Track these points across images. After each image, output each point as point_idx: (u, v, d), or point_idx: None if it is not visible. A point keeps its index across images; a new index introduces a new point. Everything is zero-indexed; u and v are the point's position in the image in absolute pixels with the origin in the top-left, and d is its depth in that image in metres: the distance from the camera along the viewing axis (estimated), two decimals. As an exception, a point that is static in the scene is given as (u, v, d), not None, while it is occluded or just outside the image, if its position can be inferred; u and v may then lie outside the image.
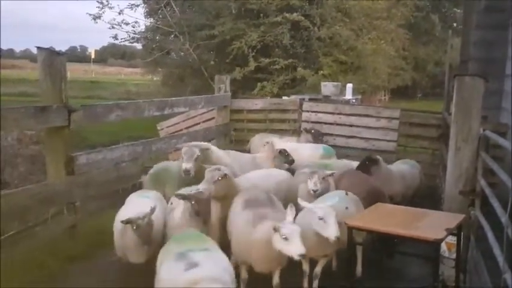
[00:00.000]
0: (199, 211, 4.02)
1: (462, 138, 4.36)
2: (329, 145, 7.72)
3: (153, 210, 3.91)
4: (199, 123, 9.26)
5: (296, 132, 8.51)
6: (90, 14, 17.01)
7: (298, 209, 3.86)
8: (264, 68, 15.01)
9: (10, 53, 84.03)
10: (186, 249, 2.98)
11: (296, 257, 3.28)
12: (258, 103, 9.15)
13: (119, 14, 17.18)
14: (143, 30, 18.34)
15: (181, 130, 9.24)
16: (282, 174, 5.49)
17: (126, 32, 17.72)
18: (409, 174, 6.24)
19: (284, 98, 10.55)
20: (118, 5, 17.32)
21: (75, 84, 29.34)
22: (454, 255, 4.09)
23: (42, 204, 4.74)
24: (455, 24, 32.97)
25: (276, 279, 3.87)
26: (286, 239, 3.30)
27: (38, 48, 4.91)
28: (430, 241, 3.34)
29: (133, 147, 6.15)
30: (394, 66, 22.68)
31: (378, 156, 5.94)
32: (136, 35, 18.11)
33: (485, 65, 7.38)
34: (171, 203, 4.42)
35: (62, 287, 4.33)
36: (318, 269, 4.12)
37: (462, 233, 3.97)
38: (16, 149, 7.93)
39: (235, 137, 8.88)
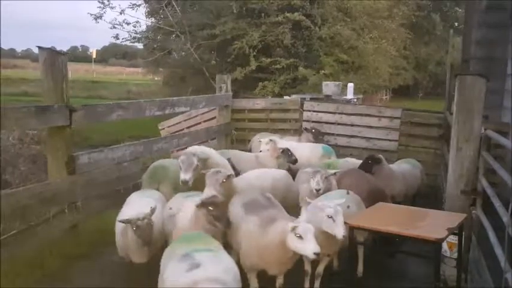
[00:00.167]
0: (218, 216, 3.80)
1: (464, 138, 4.36)
2: (330, 145, 7.74)
3: (153, 210, 3.90)
4: (200, 123, 9.27)
5: (297, 132, 8.51)
6: (92, 14, 17.01)
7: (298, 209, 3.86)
8: (265, 67, 15.00)
9: (11, 53, 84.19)
10: (191, 250, 2.98)
11: (311, 256, 3.31)
12: (259, 103, 9.15)
13: (120, 13, 17.18)
14: (144, 30, 18.35)
15: (182, 130, 9.26)
16: (279, 173, 5.47)
17: (128, 31, 17.71)
18: (410, 174, 6.24)
19: (285, 97, 10.53)
20: (119, 5, 17.27)
21: (77, 84, 29.43)
22: (455, 255, 4.09)
23: (44, 204, 4.75)
24: (456, 24, 33.03)
25: (280, 280, 3.87)
26: (301, 237, 3.32)
27: (40, 48, 4.92)
28: (431, 241, 3.34)
29: (134, 147, 6.15)
30: (395, 65, 22.68)
31: (380, 156, 5.94)
32: (137, 35, 18.10)
33: (486, 64, 7.37)
34: (170, 208, 4.25)
35: (63, 286, 4.34)
36: (320, 269, 4.13)
37: (463, 233, 3.98)
38: (17, 149, 7.93)
39: (236, 137, 8.88)
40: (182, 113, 8.99)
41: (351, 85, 11.13)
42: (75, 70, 45.73)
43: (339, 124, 8.42)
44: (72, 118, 4.96)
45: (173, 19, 16.15)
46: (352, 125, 8.33)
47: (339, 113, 8.43)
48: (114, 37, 18.14)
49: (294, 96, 10.21)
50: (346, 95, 10.85)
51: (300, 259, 3.77)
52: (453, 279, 4.10)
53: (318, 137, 7.84)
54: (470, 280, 4.06)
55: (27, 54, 76.44)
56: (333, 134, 8.40)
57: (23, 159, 7.68)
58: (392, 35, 19.94)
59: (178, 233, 3.83)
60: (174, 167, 5.25)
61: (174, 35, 16.82)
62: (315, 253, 3.27)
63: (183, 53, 16.91)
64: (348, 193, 4.50)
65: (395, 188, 5.75)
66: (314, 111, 8.62)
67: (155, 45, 17.97)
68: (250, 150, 7.67)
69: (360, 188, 4.80)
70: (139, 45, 21.23)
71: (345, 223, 3.71)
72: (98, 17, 16.96)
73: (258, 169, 5.59)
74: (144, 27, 18.37)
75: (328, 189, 4.84)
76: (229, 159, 5.83)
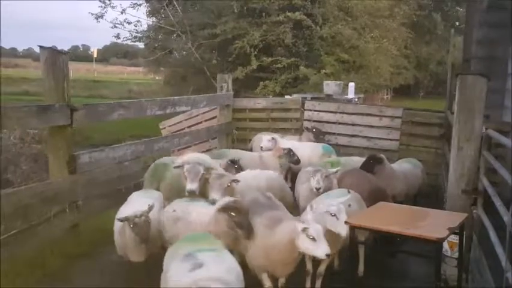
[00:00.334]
0: (241, 223, 3.63)
1: (465, 137, 4.36)
2: (331, 144, 7.75)
3: (150, 208, 3.90)
4: (201, 122, 9.27)
5: (298, 131, 8.51)
6: (93, 13, 17.04)
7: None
8: (266, 67, 15.01)
9: (13, 52, 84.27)
10: (194, 250, 2.97)
11: (323, 257, 3.34)
12: (260, 102, 9.15)
13: (121, 13, 17.20)
14: (145, 29, 18.36)
15: (183, 129, 9.26)
16: (272, 173, 5.45)
17: (129, 31, 17.73)
18: (411, 173, 6.24)
19: (286, 97, 10.54)
20: (120, 4, 17.39)
21: (78, 83, 29.44)
22: (456, 255, 4.09)
23: (45, 203, 4.75)
24: (457, 23, 32.99)
25: (282, 280, 3.88)
26: (313, 239, 3.32)
27: (41, 47, 4.92)
28: (432, 240, 3.34)
29: (135, 146, 6.16)
30: (396, 65, 22.67)
31: (382, 155, 5.94)
32: (138, 34, 18.11)
33: (487, 64, 7.37)
34: (174, 210, 4.14)
35: (64, 285, 4.35)
36: (322, 268, 4.12)
37: (464, 232, 3.97)
38: (19, 148, 7.94)
39: (237, 136, 8.88)
40: (183, 112, 8.98)
41: (352, 84, 11.13)
42: (76, 69, 45.78)
43: (340, 123, 8.42)
44: (73, 117, 4.96)
45: (174, 18, 16.16)
46: (353, 125, 8.33)
47: (340, 113, 8.43)
48: (115, 36, 18.20)
49: (295, 96, 10.21)
50: (347, 95, 10.86)
51: (301, 259, 3.77)
52: (454, 278, 4.10)
53: (318, 136, 7.84)
54: (471, 280, 4.06)
55: (28, 54, 76.55)
56: (334, 134, 8.40)
57: (24, 158, 7.69)
58: (394, 34, 19.93)
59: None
60: (172, 162, 5.30)
61: (175, 35, 16.82)
62: (326, 254, 3.30)
63: (184, 53, 16.93)
64: (349, 192, 4.51)
65: (396, 187, 5.75)
66: (315, 110, 8.62)
67: (156, 45, 17.99)
68: (251, 150, 7.68)
69: (361, 187, 4.80)
70: (141, 45, 21.28)
71: (346, 222, 3.71)
72: (99, 17, 16.98)
73: (249, 171, 5.48)
74: (145, 27, 18.39)
75: (328, 188, 4.85)
76: (238, 161, 5.84)
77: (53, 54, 4.87)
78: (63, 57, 4.94)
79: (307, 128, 8.03)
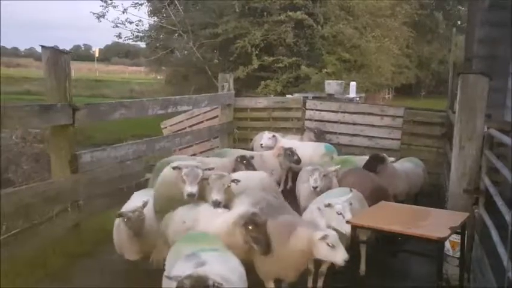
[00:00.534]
0: (258, 238, 3.40)
1: (466, 137, 4.35)
2: (333, 143, 7.74)
3: (145, 204, 3.95)
4: (202, 122, 9.28)
5: (299, 131, 8.51)
6: (94, 13, 17.06)
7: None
8: (267, 66, 15.01)
9: (15, 52, 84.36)
10: (198, 249, 2.96)
11: (342, 263, 3.34)
12: (261, 101, 9.14)
13: (123, 12, 17.23)
14: (147, 28, 18.38)
15: (184, 128, 9.27)
16: (262, 174, 5.37)
17: (130, 30, 17.76)
18: (413, 173, 6.23)
19: (288, 96, 10.54)
20: (122, 4, 17.41)
21: (80, 83, 29.51)
22: (458, 254, 4.09)
23: (47, 202, 4.76)
24: (459, 22, 32.97)
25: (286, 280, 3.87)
26: (333, 246, 3.34)
27: (43, 47, 4.93)
28: (434, 240, 3.34)
29: (137, 146, 6.16)
30: (398, 64, 22.65)
31: (385, 155, 5.93)
32: (140, 34, 18.15)
33: (489, 63, 7.36)
34: (184, 222, 3.89)
35: (66, 284, 4.35)
36: (324, 268, 4.12)
37: (466, 232, 3.96)
38: (20, 147, 7.96)
39: (238, 136, 8.88)
40: (185, 111, 8.99)
41: (353, 84, 11.13)
42: (78, 69, 45.83)
43: (341, 123, 8.41)
44: (75, 117, 4.97)
45: (176, 18, 16.16)
46: (354, 124, 8.32)
47: (342, 112, 8.43)
48: (116, 36, 18.23)
49: (296, 95, 10.22)
50: (348, 94, 10.86)
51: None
52: (456, 278, 4.10)
53: (320, 137, 7.84)
54: (473, 279, 4.06)
55: (30, 53, 76.57)
56: (335, 133, 8.39)
57: (26, 158, 7.71)
58: (395, 33, 19.93)
59: None
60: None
61: (176, 34, 16.83)
62: (345, 260, 3.32)
63: (186, 52, 16.95)
64: (351, 190, 4.51)
65: (398, 186, 5.74)
66: (316, 110, 8.61)
67: (158, 44, 18.02)
68: (252, 149, 7.68)
69: (363, 186, 4.80)
70: (142, 44, 21.31)
71: (348, 222, 3.71)
72: (100, 16, 17.01)
73: (241, 172, 5.38)
74: (146, 26, 18.42)
75: (328, 187, 4.84)
76: (251, 157, 5.87)
77: (54, 53, 4.88)
78: (65, 57, 4.95)
79: (309, 128, 8.02)
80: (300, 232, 3.52)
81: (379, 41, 17.02)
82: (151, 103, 6.44)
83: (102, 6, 16.98)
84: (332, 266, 4.31)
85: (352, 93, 10.88)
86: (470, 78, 4.36)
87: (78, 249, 4.91)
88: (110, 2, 16.95)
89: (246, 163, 5.71)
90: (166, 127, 9.87)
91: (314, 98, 9.50)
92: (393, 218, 3.88)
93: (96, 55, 58.16)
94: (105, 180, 5.64)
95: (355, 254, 4.32)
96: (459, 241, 3.99)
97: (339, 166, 5.41)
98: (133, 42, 19.80)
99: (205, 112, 9.25)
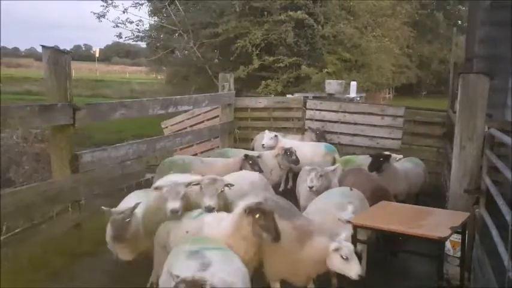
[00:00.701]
0: (266, 226, 3.27)
1: (467, 137, 4.36)
2: (333, 143, 7.74)
3: (135, 207, 3.89)
4: (203, 122, 9.27)
5: (300, 131, 8.50)
6: (95, 13, 17.08)
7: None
8: (268, 66, 15.01)
9: (15, 52, 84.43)
10: (201, 247, 2.91)
11: (356, 277, 3.27)
12: (262, 101, 9.14)
13: (123, 12, 17.26)
14: (147, 28, 18.40)
15: (185, 128, 9.27)
16: (254, 175, 5.27)
17: (131, 30, 17.78)
18: (413, 173, 6.22)
19: (288, 96, 10.53)
20: (122, 4, 17.55)
21: (80, 83, 29.56)
22: (458, 254, 4.09)
23: (47, 202, 4.76)
24: (460, 22, 32.95)
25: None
26: (347, 259, 3.30)
27: (43, 47, 4.93)
28: (434, 239, 3.34)
29: (137, 146, 6.16)
30: (398, 64, 22.67)
31: (389, 153, 5.92)
32: (140, 34, 18.16)
33: (490, 63, 7.35)
34: (187, 232, 3.70)
35: (67, 284, 4.36)
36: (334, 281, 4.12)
37: (467, 231, 3.97)
38: (21, 147, 7.97)
39: (239, 135, 8.88)
40: (185, 111, 8.99)
41: (354, 83, 11.13)
42: (78, 69, 45.88)
43: (341, 123, 8.41)
44: (75, 117, 4.97)
45: (176, 18, 16.17)
46: (355, 124, 8.31)
47: (342, 112, 8.42)
48: (117, 36, 18.26)
49: (296, 95, 10.21)
50: (349, 94, 10.86)
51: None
52: (456, 278, 4.10)
53: (321, 137, 7.83)
54: (474, 279, 4.06)
55: (30, 53, 76.60)
56: (336, 133, 8.39)
57: (27, 157, 7.72)
58: (396, 33, 19.94)
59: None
60: (180, 161, 5.55)
61: (177, 34, 16.84)
62: (359, 275, 3.26)
63: (186, 52, 16.95)
64: (351, 189, 4.52)
65: (398, 186, 5.74)
66: (317, 109, 8.61)
67: (158, 44, 18.03)
68: (253, 149, 7.68)
69: (364, 186, 4.80)
70: (143, 44, 21.33)
71: (349, 222, 3.71)
72: (101, 16, 17.04)
73: (234, 173, 5.29)
74: (147, 26, 18.43)
75: (326, 187, 4.84)
76: (258, 157, 5.87)
77: (55, 53, 4.88)
78: (65, 57, 4.95)
79: (311, 129, 8.02)
80: (315, 242, 3.47)
81: (380, 40, 17.03)
82: (151, 103, 6.44)
83: (103, 6, 17.02)
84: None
85: (353, 93, 10.87)
86: (471, 78, 4.37)
87: (79, 248, 4.91)
88: (110, 2, 16.99)
89: (252, 163, 5.70)
90: (167, 127, 9.88)
91: (314, 97, 9.50)
92: (394, 217, 3.88)
93: (97, 55, 58.16)
94: (106, 180, 5.65)
95: (356, 254, 4.31)
96: (460, 241, 3.99)
97: (337, 165, 5.40)
98: (134, 42, 19.83)
99: (205, 112, 9.25)
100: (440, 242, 3.43)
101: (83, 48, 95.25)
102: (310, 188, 4.83)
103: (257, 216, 3.26)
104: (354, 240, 3.88)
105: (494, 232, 3.43)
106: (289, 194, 6.21)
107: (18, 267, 4.28)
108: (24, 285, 4.11)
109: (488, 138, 4.22)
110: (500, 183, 4.30)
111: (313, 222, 3.76)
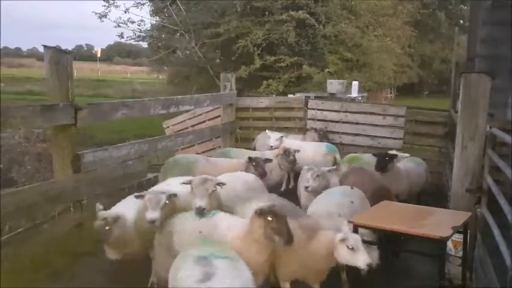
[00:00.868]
0: (279, 229, 3.20)
1: (469, 136, 4.35)
2: (335, 143, 7.73)
3: (116, 218, 3.90)
4: (204, 122, 9.28)
5: (302, 130, 8.50)
6: (96, 13, 17.11)
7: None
8: (269, 66, 15.02)
9: (17, 52, 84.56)
10: (209, 254, 2.85)
11: (364, 267, 3.27)
12: (263, 101, 9.15)
13: (125, 12, 17.33)
14: (149, 28, 18.44)
15: (187, 128, 9.27)
16: (249, 176, 5.21)
17: (132, 30, 17.83)
18: (414, 172, 6.22)
19: (289, 95, 10.53)
20: (124, 4, 17.54)
21: (82, 83, 29.56)
22: (460, 253, 4.08)
23: (49, 202, 4.77)
24: (461, 21, 32.92)
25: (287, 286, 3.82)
26: (353, 249, 3.28)
27: (45, 46, 4.94)
28: (436, 239, 3.34)
29: (139, 145, 6.17)
30: (400, 63, 22.66)
31: (395, 152, 5.91)
32: (142, 34, 18.21)
33: (492, 62, 7.33)
34: (200, 232, 3.63)
35: (68, 283, 4.36)
36: (343, 276, 4.12)
37: (468, 231, 3.96)
38: (23, 147, 7.98)
39: (240, 135, 8.89)
40: (187, 111, 9.00)
41: (355, 83, 11.14)
42: (80, 69, 45.95)
43: (343, 122, 8.41)
44: (77, 117, 4.97)
45: (178, 18, 16.20)
46: (356, 123, 8.31)
47: (344, 111, 8.42)
48: (118, 36, 18.32)
49: (298, 95, 10.22)
50: (350, 93, 10.87)
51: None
52: (458, 277, 4.09)
53: (324, 137, 7.83)
54: (476, 278, 4.05)
55: (32, 53, 76.73)
56: (337, 132, 8.39)
57: (29, 157, 7.73)
58: (397, 32, 19.93)
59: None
60: (183, 160, 5.63)
61: (178, 34, 16.87)
62: (368, 264, 3.25)
63: (188, 52, 16.98)
64: (352, 188, 4.53)
65: (399, 186, 5.73)
66: (318, 109, 8.61)
67: (160, 44, 18.07)
68: (254, 149, 7.68)
69: (365, 186, 4.80)
70: (144, 44, 21.39)
71: (350, 222, 3.71)
72: (102, 16, 17.08)
73: (228, 173, 5.16)
74: (148, 26, 18.49)
75: (324, 187, 4.84)
76: (265, 160, 5.85)
77: (57, 53, 4.89)
78: (67, 57, 4.96)
79: (315, 129, 8.02)
80: (321, 236, 3.47)
81: (381, 40, 17.03)
82: (153, 103, 6.45)
83: (105, 6, 17.07)
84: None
85: (354, 93, 10.88)
86: (473, 77, 4.36)
87: (80, 248, 4.92)
88: (112, 2, 17.04)
89: (255, 164, 5.69)
90: (168, 127, 9.88)
91: (316, 97, 9.51)
92: (395, 217, 3.88)
93: (98, 55, 58.12)
94: (107, 180, 5.65)
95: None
96: (461, 240, 3.99)
97: (334, 167, 5.38)
98: (136, 42, 19.91)
99: (207, 112, 9.25)
100: (442, 242, 3.43)
101: (85, 48, 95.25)
102: (306, 188, 4.84)
103: (269, 218, 3.20)
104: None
105: (496, 231, 3.43)
106: (291, 194, 6.21)
107: (20, 267, 4.29)
108: (25, 285, 4.11)
109: (490, 137, 4.22)
110: (502, 182, 4.30)
111: (318, 220, 3.79)
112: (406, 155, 6.34)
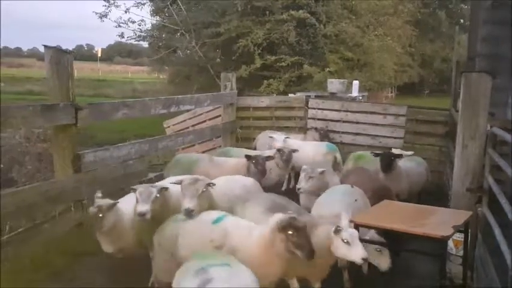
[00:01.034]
0: (300, 244, 3.09)
1: (469, 135, 4.35)
2: (335, 142, 7.74)
3: (111, 205, 3.91)
4: (205, 121, 9.28)
5: (302, 130, 8.50)
6: (97, 13, 17.12)
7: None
8: (270, 65, 15.02)
9: (17, 52, 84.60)
10: (206, 264, 2.78)
11: (359, 261, 3.25)
12: (264, 100, 9.15)
13: (125, 12, 17.33)
14: (149, 28, 18.44)
15: (187, 128, 9.27)
16: (247, 179, 5.14)
17: (133, 30, 17.83)
18: (414, 172, 6.21)
19: (290, 95, 10.53)
20: (124, 4, 17.59)
21: (82, 83, 29.55)
22: (461, 253, 4.08)
23: (50, 202, 4.78)
24: (462, 21, 32.91)
25: (294, 283, 3.83)
26: (348, 243, 3.25)
27: (45, 46, 4.94)
28: (437, 238, 3.34)
29: (139, 145, 6.17)
30: (400, 62, 22.64)
31: (400, 151, 5.90)
32: (142, 33, 18.20)
33: (492, 61, 7.33)
34: (211, 240, 3.47)
35: (69, 283, 4.36)
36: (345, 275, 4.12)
37: (469, 230, 3.96)
38: (24, 147, 7.97)
39: (241, 135, 8.89)
40: (187, 111, 9.00)
41: (356, 82, 11.14)
42: (80, 69, 45.96)
43: (344, 122, 8.41)
44: (77, 116, 4.98)
45: (178, 17, 16.20)
46: (357, 123, 8.31)
47: (344, 111, 8.42)
48: (119, 35, 18.33)
49: (298, 94, 10.22)
50: (351, 93, 10.86)
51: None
52: (459, 276, 4.09)
53: (325, 137, 7.83)
54: (476, 278, 4.05)
55: (33, 53, 76.75)
56: (338, 132, 8.38)
57: (29, 157, 7.72)
58: (398, 32, 19.92)
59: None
60: (185, 159, 5.74)
61: (179, 34, 16.87)
62: (363, 258, 3.22)
63: (188, 51, 16.98)
64: (352, 187, 4.54)
65: (400, 185, 5.73)
66: (319, 108, 8.61)
67: (160, 44, 18.08)
68: (255, 149, 7.68)
69: (366, 186, 4.79)
70: (145, 44, 21.41)
71: (351, 221, 3.71)
72: (103, 16, 17.08)
73: (225, 176, 5.12)
74: (149, 26, 18.49)
75: (319, 188, 4.82)
76: (269, 157, 5.88)
77: (57, 53, 4.89)
78: (67, 57, 4.96)
79: (315, 128, 8.01)
80: (319, 231, 3.47)
81: (382, 39, 17.01)
82: (153, 102, 6.45)
83: (105, 6, 17.07)
84: (335, 264, 4.31)
85: (355, 92, 10.87)
86: (473, 76, 4.36)
87: (81, 248, 4.91)
88: (112, 1, 17.04)
89: (255, 162, 5.70)
90: (169, 126, 9.88)
91: (316, 96, 9.51)
92: (396, 216, 3.88)
93: (99, 55, 58.15)
94: (108, 180, 5.64)
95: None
96: (462, 240, 3.99)
97: (325, 170, 5.37)
98: (136, 42, 19.92)
99: (207, 111, 9.25)
100: (442, 241, 3.42)
101: (85, 48, 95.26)
102: (298, 189, 4.85)
103: (290, 232, 3.09)
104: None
105: (497, 231, 3.42)
106: (292, 193, 6.20)
107: (20, 267, 4.29)
108: (25, 285, 4.11)
109: (490, 136, 4.22)
110: (503, 181, 4.29)
111: (316, 218, 3.82)
112: (410, 152, 6.33)
